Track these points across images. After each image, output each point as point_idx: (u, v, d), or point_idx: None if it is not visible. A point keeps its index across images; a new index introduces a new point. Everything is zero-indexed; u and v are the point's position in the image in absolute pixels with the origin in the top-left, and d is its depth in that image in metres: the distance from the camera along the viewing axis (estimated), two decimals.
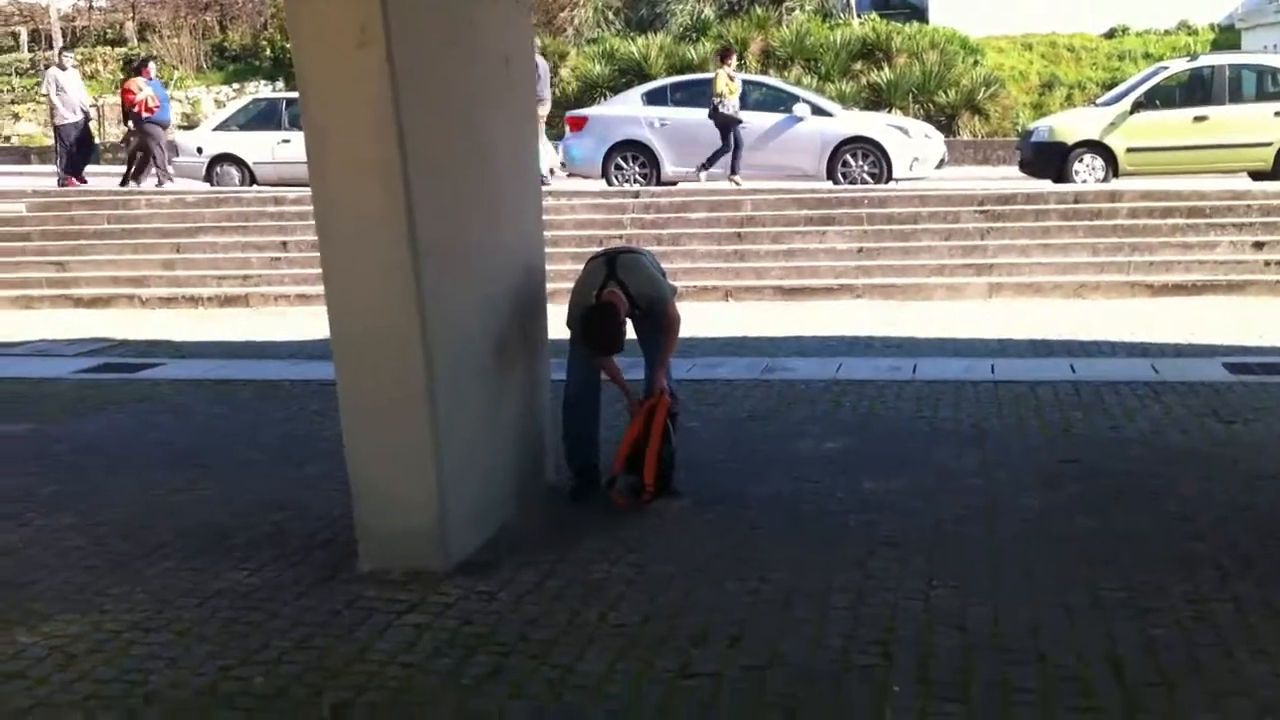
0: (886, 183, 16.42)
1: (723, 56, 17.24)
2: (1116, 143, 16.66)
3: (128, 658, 4.41)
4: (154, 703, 4.05)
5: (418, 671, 4.24)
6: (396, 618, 4.69)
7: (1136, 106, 16.76)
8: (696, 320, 10.90)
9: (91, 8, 36.63)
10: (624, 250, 6.35)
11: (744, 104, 17.54)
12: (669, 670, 4.18)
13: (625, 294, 5.89)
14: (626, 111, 17.80)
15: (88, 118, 18.92)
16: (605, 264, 6.02)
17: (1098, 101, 19.25)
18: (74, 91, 18.48)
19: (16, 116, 30.34)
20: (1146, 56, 27.08)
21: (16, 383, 9.59)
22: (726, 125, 16.41)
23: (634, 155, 17.34)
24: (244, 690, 4.12)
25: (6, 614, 4.84)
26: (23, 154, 26.63)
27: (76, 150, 18.21)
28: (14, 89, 32.19)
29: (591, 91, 25.87)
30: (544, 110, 16.61)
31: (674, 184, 16.97)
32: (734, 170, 16.42)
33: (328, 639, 4.52)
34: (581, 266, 6.27)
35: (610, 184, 17.10)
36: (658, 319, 6.07)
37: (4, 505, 6.27)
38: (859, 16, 30.53)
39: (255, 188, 17.87)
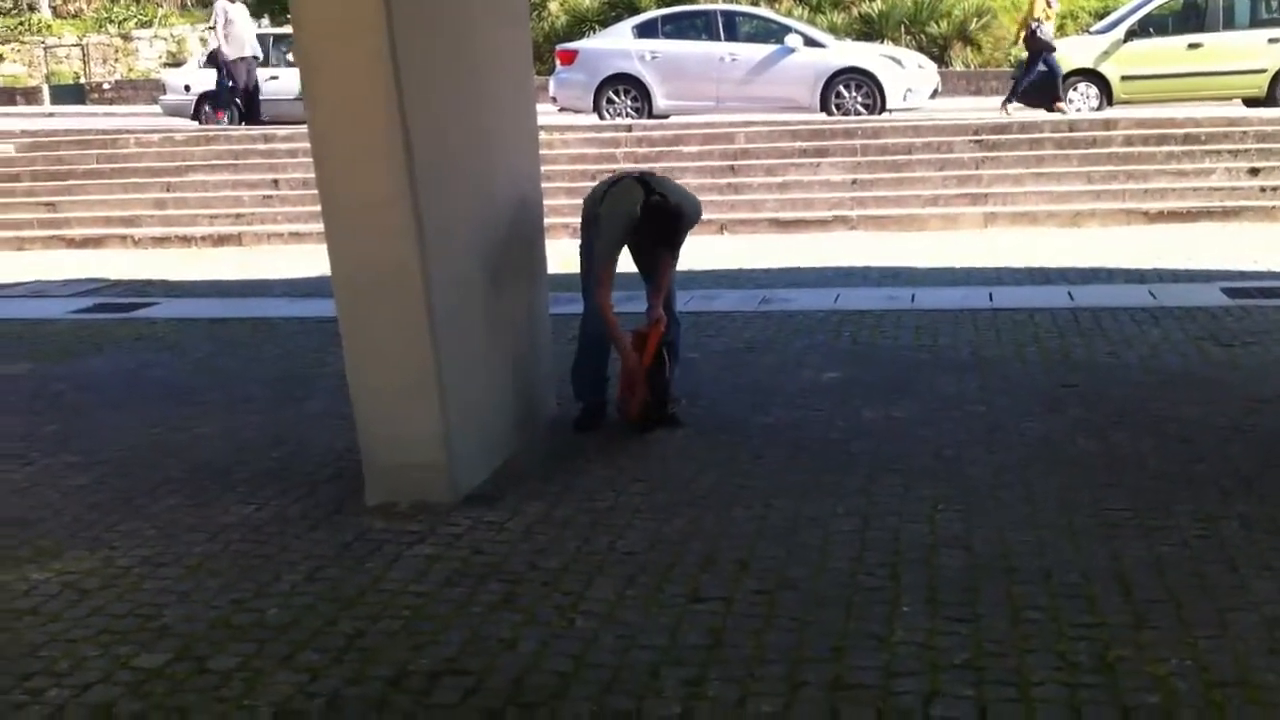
0: (880, 114, 16.34)
1: None
2: (1111, 71, 16.58)
3: (140, 592, 4.43)
4: (168, 636, 4.07)
5: (430, 600, 4.26)
6: (406, 548, 4.72)
7: (1130, 34, 16.66)
8: (692, 254, 10.87)
9: None
10: (644, 174, 6.28)
11: (734, 36, 17.45)
12: (679, 595, 4.21)
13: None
14: (617, 45, 17.67)
15: (256, 57, 18.21)
16: (638, 183, 5.95)
17: (1091, 30, 19.12)
18: (243, 26, 17.87)
19: (1, 57, 30.00)
20: None
21: (12, 324, 9.56)
22: (1041, 51, 16.13)
23: (625, 89, 17.22)
24: (258, 622, 4.14)
25: (16, 551, 4.85)
26: (9, 95, 26.36)
27: (245, 91, 17.71)
28: None
29: (581, 25, 25.63)
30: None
31: (666, 117, 16.87)
32: (1012, 98, 16.29)
33: (339, 570, 4.54)
34: (576, 200, 6.28)
35: (602, 118, 17.00)
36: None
37: (7, 444, 6.27)
38: None
39: (245, 125, 17.72)
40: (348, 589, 4.37)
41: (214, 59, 17.95)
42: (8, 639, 4.10)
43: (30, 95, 26.10)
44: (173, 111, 19.13)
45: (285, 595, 4.34)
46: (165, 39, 28.59)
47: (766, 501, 5.06)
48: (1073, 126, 14.62)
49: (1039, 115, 15.86)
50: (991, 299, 8.88)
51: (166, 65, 24.87)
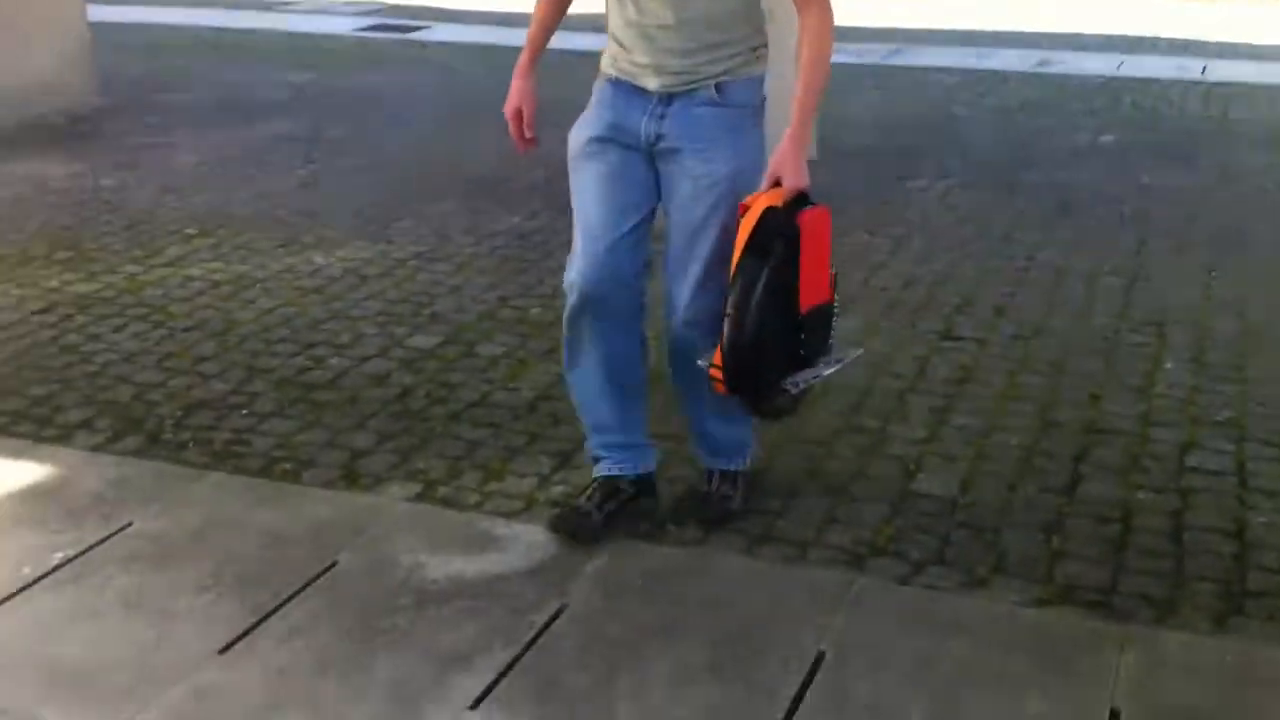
0: None
1: None
2: None
3: (414, 283, 4.69)
4: (439, 322, 4.31)
5: None
6: None
7: None
8: (966, 9, 10.48)
9: None
10: None
11: None
12: (931, 332, 4.20)
13: None
14: None
15: None
16: None
17: None
18: None
19: None
20: None
21: (300, 37, 9.95)
22: None
23: None
24: (521, 318, 4.34)
25: (303, 238, 5.17)
26: None
27: None
28: None
29: None
30: None
31: None
32: None
33: None
34: None
35: None
36: None
37: (294, 145, 6.61)
38: None
39: None
40: None
41: None
42: (295, 312, 4.41)
43: None
44: None
45: (548, 298, 4.52)
46: None
47: (1030, 254, 4.96)
48: None
49: None
50: None
51: None
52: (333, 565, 2.81)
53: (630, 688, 2.39)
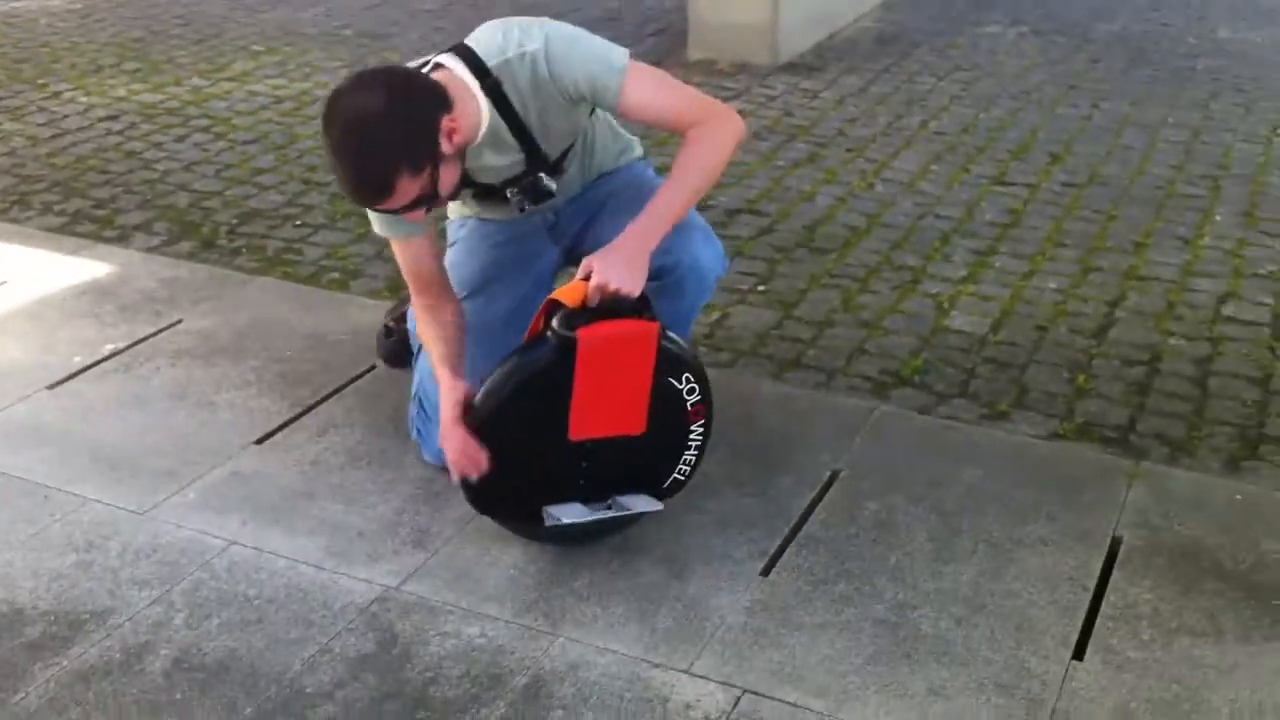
0: None
1: None
2: None
3: None
4: None
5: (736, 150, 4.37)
6: None
7: None
8: None
9: None
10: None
11: None
12: (984, 177, 4.18)
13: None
14: None
15: None
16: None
17: None
18: None
19: None
20: None
21: None
22: None
23: None
24: None
25: (368, 59, 5.20)
26: None
27: None
28: None
29: None
30: None
31: None
32: None
33: None
34: None
35: None
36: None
37: None
38: None
39: None
40: None
41: None
42: None
43: None
44: None
45: None
46: None
47: (1094, 103, 4.89)
48: None
49: None
50: None
51: None
52: (372, 368, 2.91)
53: None
